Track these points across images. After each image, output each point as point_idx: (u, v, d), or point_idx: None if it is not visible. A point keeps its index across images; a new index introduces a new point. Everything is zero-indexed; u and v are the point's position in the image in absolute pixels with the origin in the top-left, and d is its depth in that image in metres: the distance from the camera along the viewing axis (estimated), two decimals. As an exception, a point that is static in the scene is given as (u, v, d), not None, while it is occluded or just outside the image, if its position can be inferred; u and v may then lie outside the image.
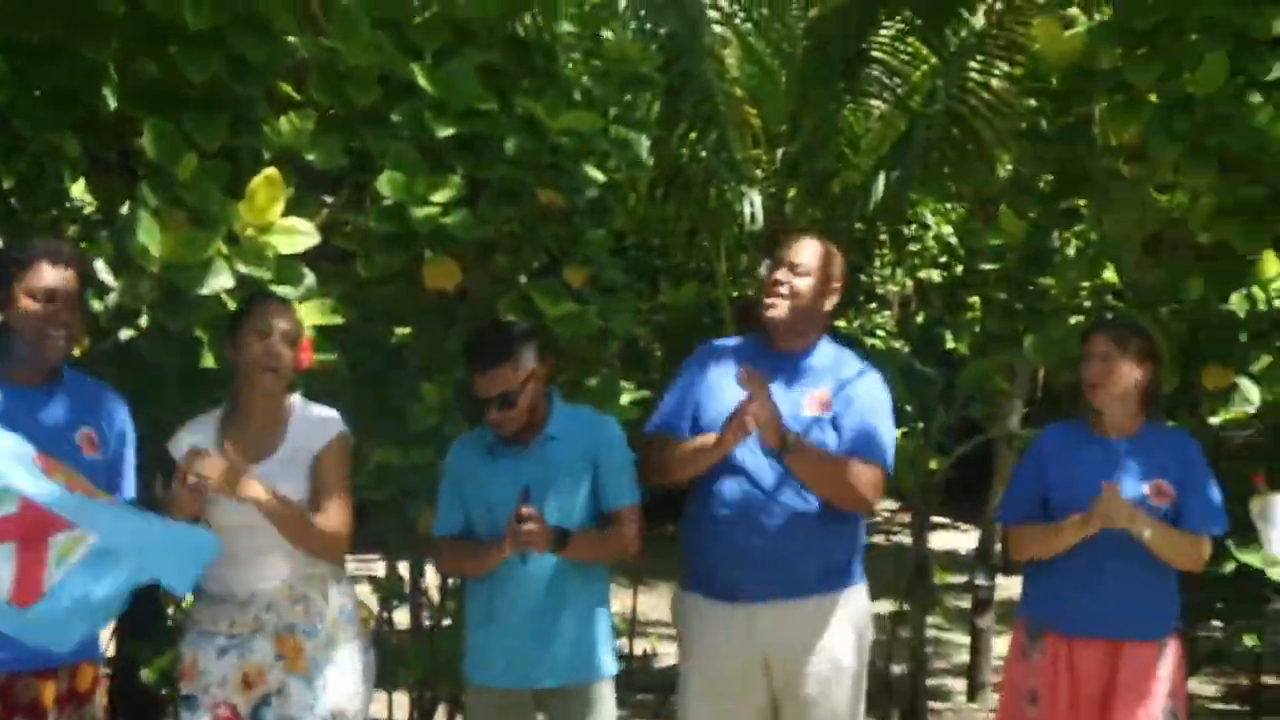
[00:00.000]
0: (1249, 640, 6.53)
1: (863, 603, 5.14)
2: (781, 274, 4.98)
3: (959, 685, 9.76)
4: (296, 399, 4.90)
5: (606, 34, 6.13)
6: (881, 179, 8.64)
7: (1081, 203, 6.88)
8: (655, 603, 10.91)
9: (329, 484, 4.80)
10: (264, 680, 4.72)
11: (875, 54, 9.25)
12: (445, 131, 5.43)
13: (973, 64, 8.89)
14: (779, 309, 4.98)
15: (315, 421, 4.86)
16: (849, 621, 5.07)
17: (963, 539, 14.00)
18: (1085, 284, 6.33)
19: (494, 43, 5.83)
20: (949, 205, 10.86)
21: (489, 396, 4.79)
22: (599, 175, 5.82)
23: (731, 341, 5.29)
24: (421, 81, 5.44)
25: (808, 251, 5.04)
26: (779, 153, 9.10)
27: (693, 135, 8.79)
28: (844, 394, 4.99)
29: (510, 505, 4.73)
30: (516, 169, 5.57)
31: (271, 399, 4.80)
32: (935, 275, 13.52)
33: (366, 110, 5.50)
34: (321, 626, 4.79)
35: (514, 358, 4.79)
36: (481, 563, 4.90)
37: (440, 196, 5.36)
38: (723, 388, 4.95)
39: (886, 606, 8.19)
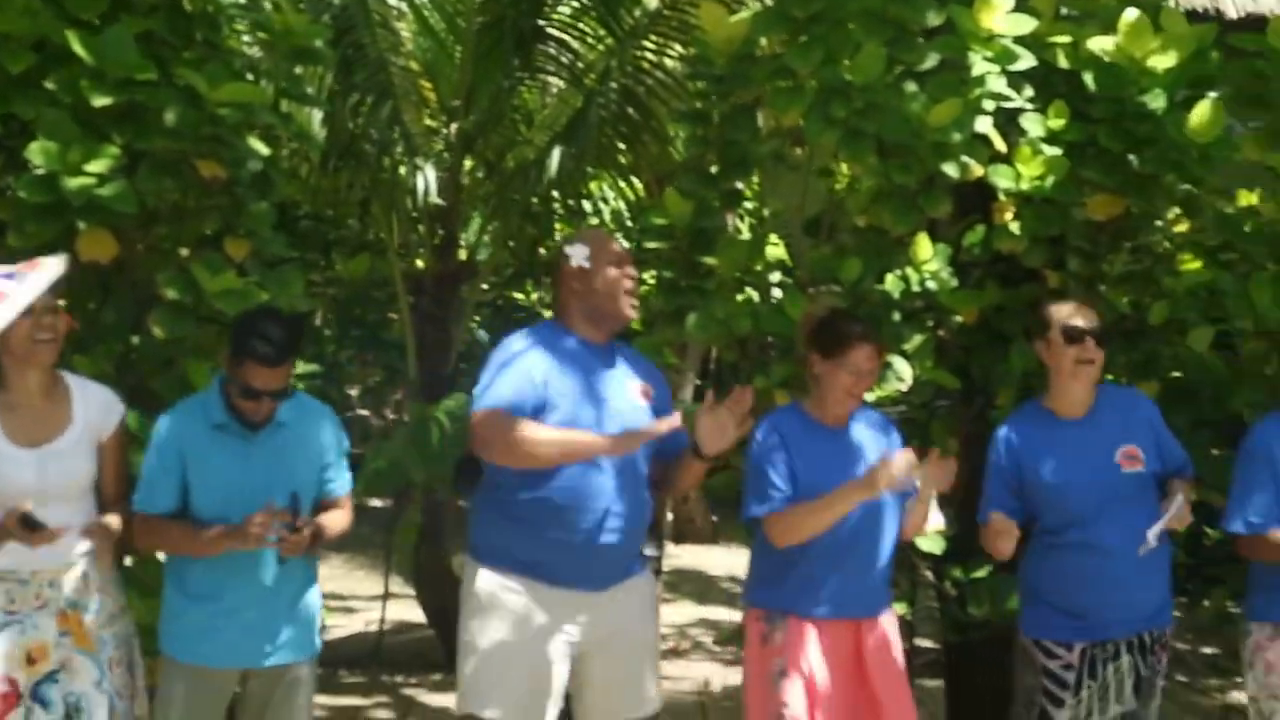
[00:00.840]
0: (899, 609, 6.74)
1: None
2: (630, 272, 5.08)
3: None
4: (65, 373, 4.87)
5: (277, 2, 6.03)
6: (556, 155, 8.69)
7: (755, 183, 7.01)
8: (326, 574, 10.85)
9: (121, 465, 4.94)
10: (47, 657, 4.66)
11: (551, 31, 9.31)
12: (102, 101, 5.31)
13: (647, 44, 9.01)
14: (636, 310, 5.12)
15: (100, 399, 4.88)
16: (653, 599, 5.29)
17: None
18: (759, 264, 6.45)
19: (155, 11, 5.68)
20: (627, 181, 10.94)
21: (268, 389, 4.77)
22: (263, 148, 5.74)
23: (558, 335, 5.10)
24: (78, 49, 5.29)
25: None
26: (454, 127, 9.07)
27: (365, 107, 8.73)
28: (653, 388, 5.17)
29: (246, 489, 4.72)
30: (176, 140, 5.47)
31: (47, 374, 4.76)
32: (616, 250, 13.61)
33: (19, 77, 5.33)
34: (102, 602, 4.79)
35: (297, 351, 4.83)
36: (204, 549, 4.79)
37: (96, 167, 5.24)
38: (588, 386, 4.98)
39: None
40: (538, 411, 4.85)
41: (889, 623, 5.28)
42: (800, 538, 5.05)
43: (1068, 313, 5.30)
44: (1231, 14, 10.55)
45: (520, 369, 4.90)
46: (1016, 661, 5.38)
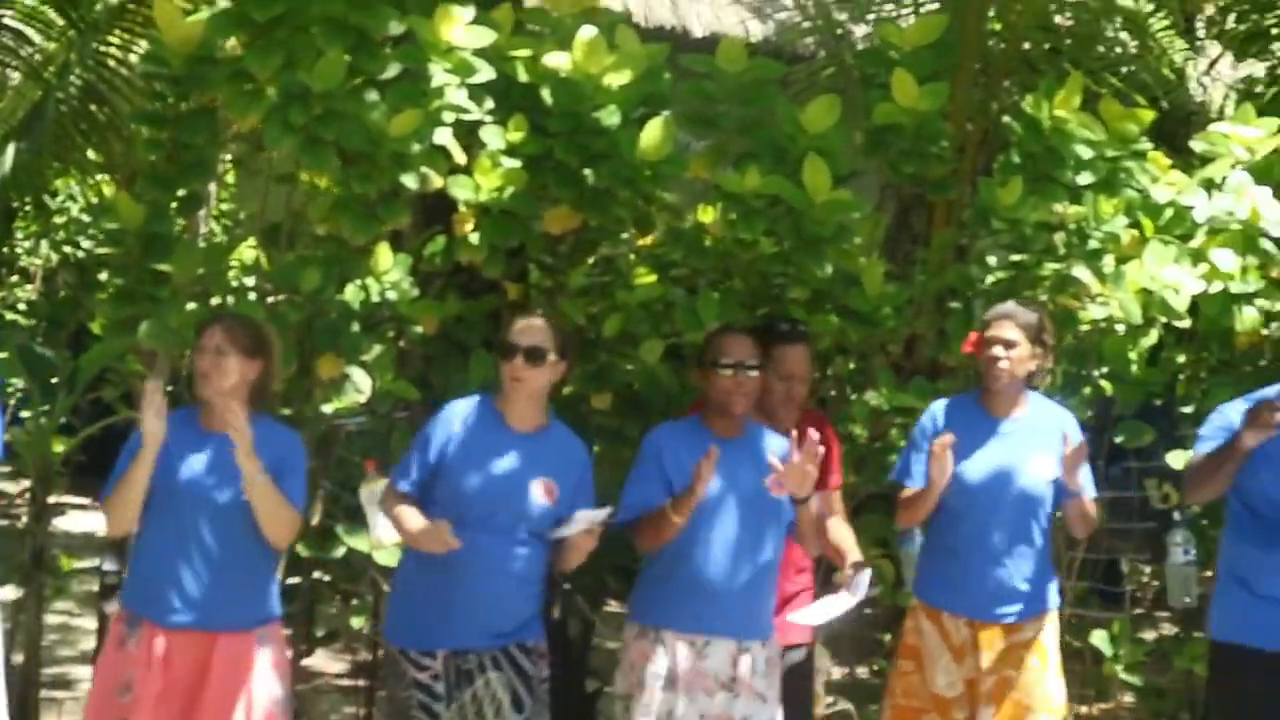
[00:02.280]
0: (356, 622, 6.71)
1: None
2: None
3: (87, 672, 9.55)
4: None
5: None
6: (12, 150, 8.33)
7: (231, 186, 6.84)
8: None
9: None
10: None
11: (8, 21, 8.91)
12: None
13: (112, 39, 8.73)
14: None
15: None
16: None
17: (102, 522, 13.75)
18: (230, 270, 6.29)
19: None
20: (94, 180, 10.58)
21: None
22: None
23: None
24: None
25: None
26: (-99, 116, 8.59)
27: None
28: None
29: None
30: None
31: None
32: (80, 251, 13.14)
33: None
34: None
35: None
36: None
37: None
38: None
39: (12, 593, 7.90)
40: None
41: (264, 640, 5.15)
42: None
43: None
44: (697, 32, 10.99)
45: None
46: (386, 675, 5.27)
